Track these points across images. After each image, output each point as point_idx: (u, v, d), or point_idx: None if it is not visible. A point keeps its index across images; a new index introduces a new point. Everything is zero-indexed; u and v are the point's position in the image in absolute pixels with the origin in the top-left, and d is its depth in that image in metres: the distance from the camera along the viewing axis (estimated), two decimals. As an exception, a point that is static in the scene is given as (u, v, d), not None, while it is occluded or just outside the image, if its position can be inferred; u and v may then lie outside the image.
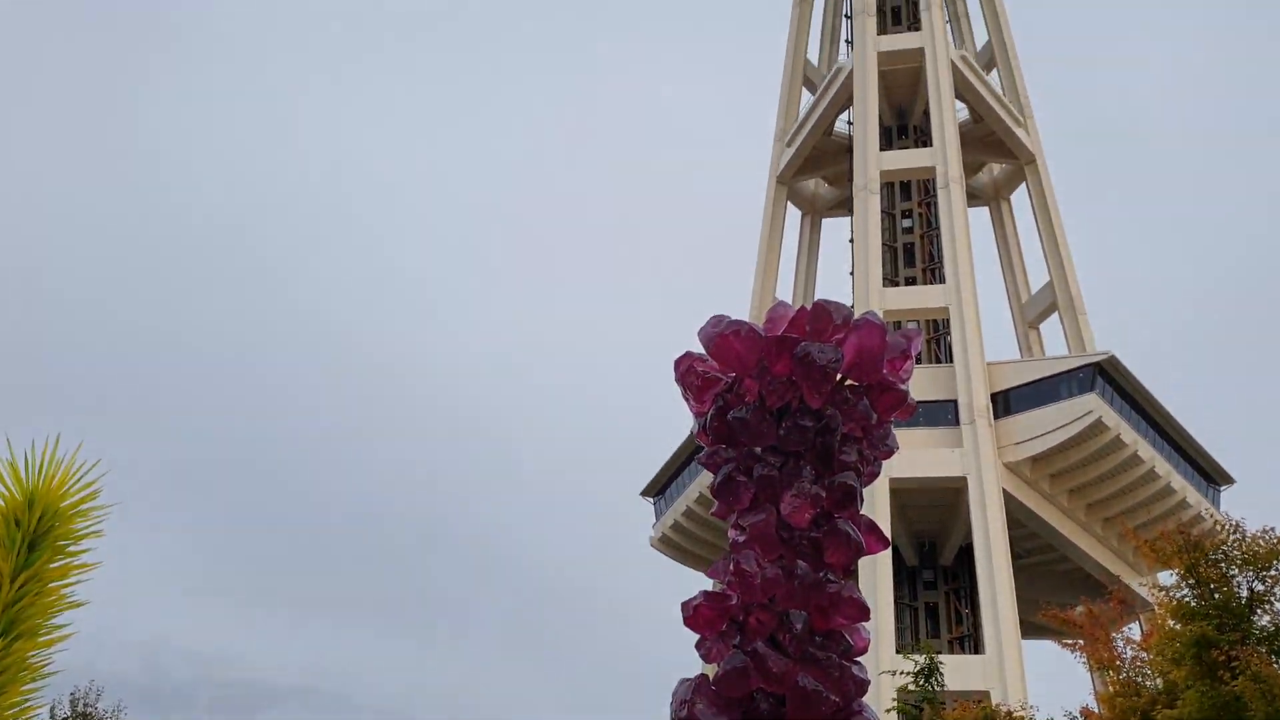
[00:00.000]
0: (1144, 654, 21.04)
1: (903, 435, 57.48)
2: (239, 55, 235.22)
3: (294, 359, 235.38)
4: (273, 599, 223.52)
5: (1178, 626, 18.22)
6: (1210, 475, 70.53)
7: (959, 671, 55.39)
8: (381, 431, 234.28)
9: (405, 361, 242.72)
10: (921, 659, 28.14)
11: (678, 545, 76.37)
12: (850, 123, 73.89)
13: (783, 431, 1.30)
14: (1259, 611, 17.85)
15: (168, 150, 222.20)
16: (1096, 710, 21.15)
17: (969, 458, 61.63)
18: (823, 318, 1.32)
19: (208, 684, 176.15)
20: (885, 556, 60.64)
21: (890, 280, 73.09)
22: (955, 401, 63.18)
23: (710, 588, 1.26)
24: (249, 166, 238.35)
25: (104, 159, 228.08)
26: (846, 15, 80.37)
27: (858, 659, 1.23)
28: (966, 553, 64.08)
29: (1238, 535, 17.92)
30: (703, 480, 65.88)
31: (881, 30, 74.45)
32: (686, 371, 1.41)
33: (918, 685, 27.37)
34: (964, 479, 61.61)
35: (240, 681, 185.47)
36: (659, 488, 78.03)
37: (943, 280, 68.85)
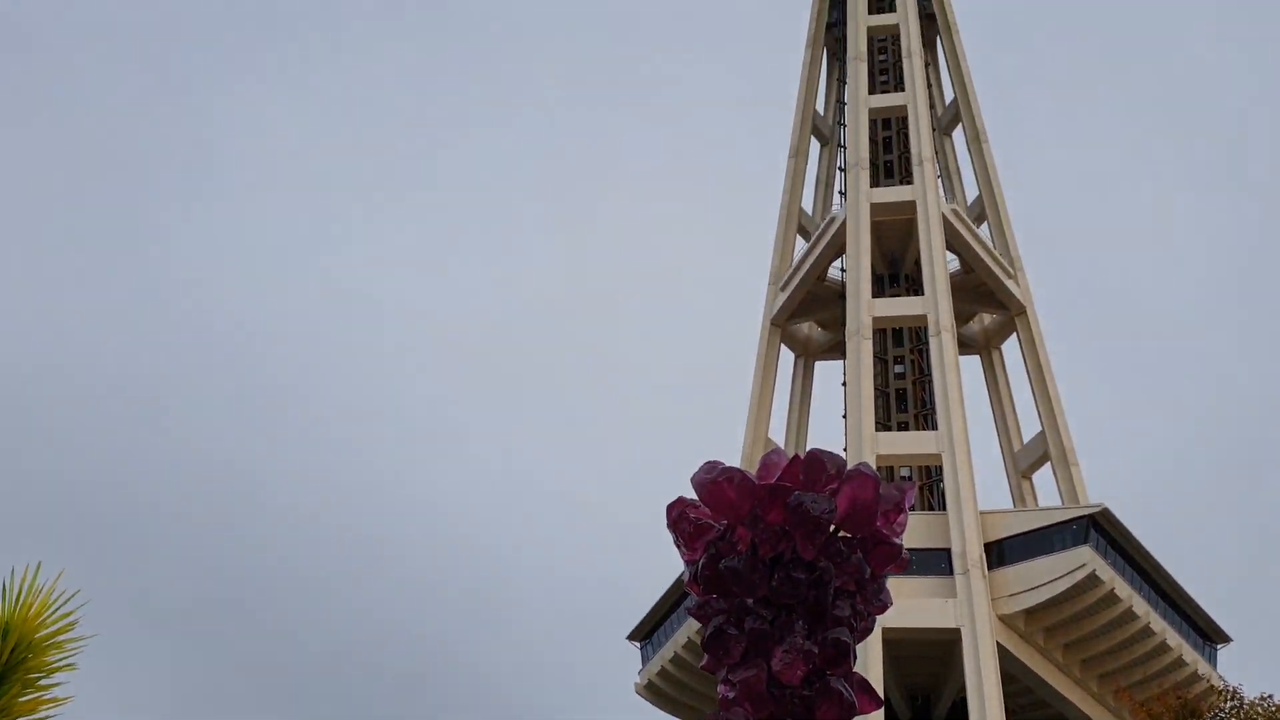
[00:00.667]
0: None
1: (895, 584, 56.45)
2: (245, 176, 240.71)
3: (282, 496, 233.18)
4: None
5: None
6: (1207, 633, 69.34)
7: (953, 835, 53.20)
8: (366, 570, 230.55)
9: (392, 497, 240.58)
10: None
11: (664, 693, 74.26)
12: (843, 269, 75.30)
13: (775, 583, 1.28)
14: (1262, 779, 17.28)
15: (165, 273, 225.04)
16: None
17: (963, 609, 60.62)
18: (816, 467, 1.32)
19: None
20: (878, 712, 58.94)
21: (883, 425, 73.25)
22: (949, 550, 62.51)
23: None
24: (247, 289, 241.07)
25: (101, 277, 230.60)
26: (840, 168, 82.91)
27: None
28: (960, 707, 62.36)
29: (1235, 702, 17.50)
30: (691, 625, 64.60)
31: (874, 183, 76.62)
32: (679, 518, 1.40)
33: None
34: (958, 630, 60.45)
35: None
36: (646, 632, 76.34)
37: (935, 426, 69.01)
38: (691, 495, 1.37)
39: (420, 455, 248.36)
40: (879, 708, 1.28)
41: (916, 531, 61.98)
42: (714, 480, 1.30)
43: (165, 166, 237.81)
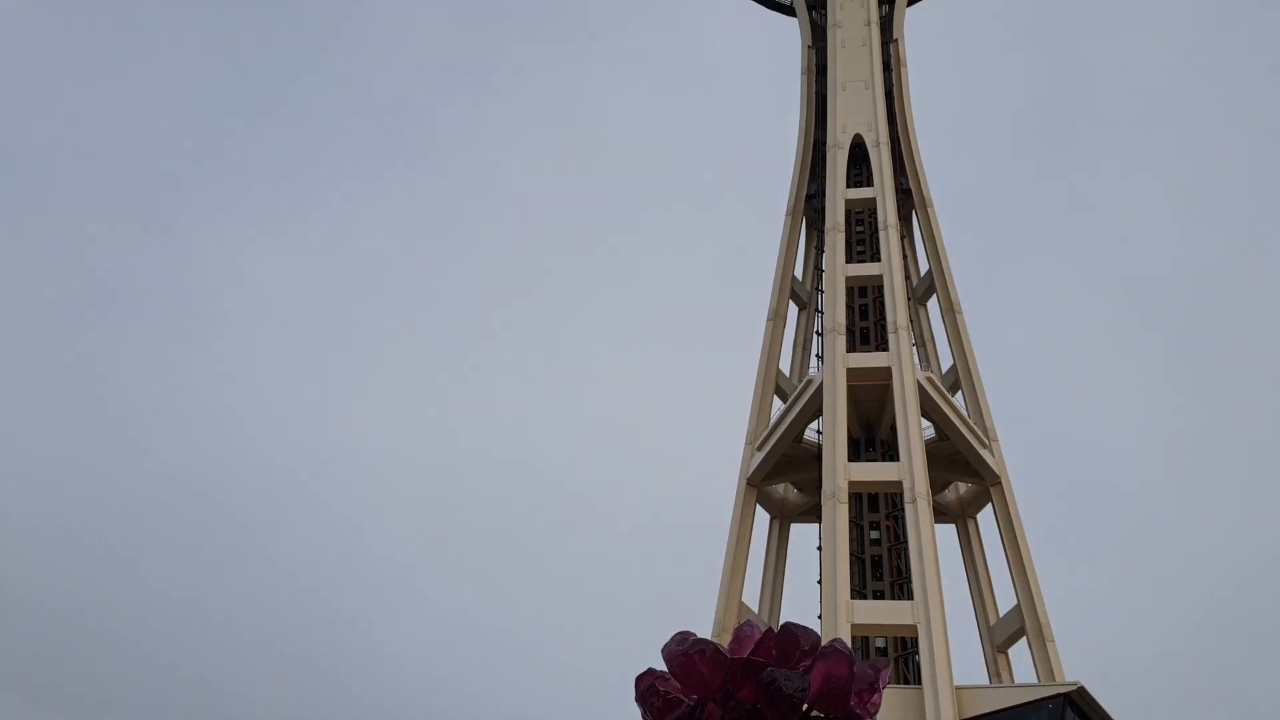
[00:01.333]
0: None
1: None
2: (217, 315, 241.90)
3: (235, 637, 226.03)
4: None
5: None
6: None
7: None
8: (340, 703, 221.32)
9: (344, 646, 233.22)
10: None
11: None
12: (819, 431, 75.64)
13: (746, 764, 1.22)
14: None
15: (131, 411, 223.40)
16: None
17: (938, 787, 58.58)
18: (790, 642, 1.28)
19: None
20: None
21: (858, 592, 72.25)
22: (923, 725, 60.80)
23: None
24: (215, 434, 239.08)
25: (62, 417, 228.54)
26: (818, 332, 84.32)
27: None
28: None
29: None
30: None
31: (851, 348, 77.81)
32: (648, 691, 1.35)
33: None
34: (932, 811, 58.26)
35: None
36: (609, 802, 73.20)
37: (910, 595, 68.09)
38: (661, 666, 1.31)
39: (374, 606, 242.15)
40: None
41: (890, 707, 60.34)
42: (685, 653, 1.23)
43: (140, 304, 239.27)
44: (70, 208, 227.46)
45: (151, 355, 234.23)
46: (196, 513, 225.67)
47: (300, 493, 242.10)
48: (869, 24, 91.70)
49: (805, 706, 1.53)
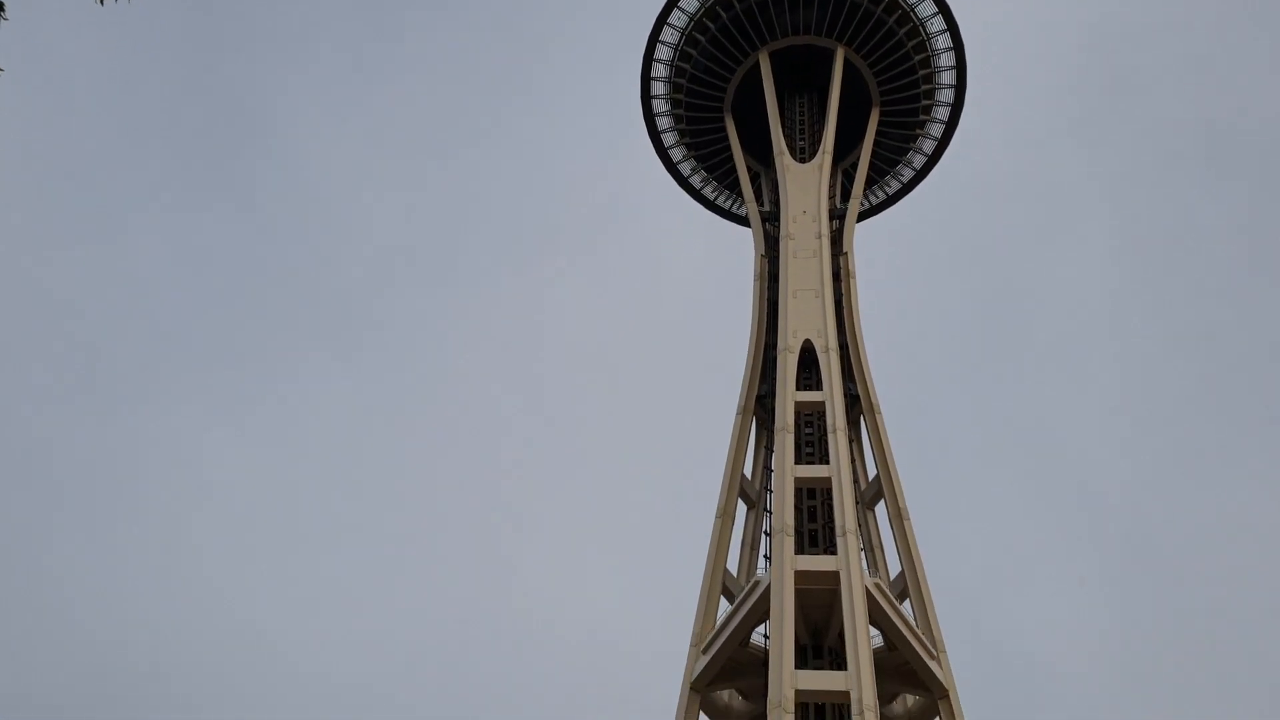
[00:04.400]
0: None
1: None
2: (162, 499, 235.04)
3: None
4: None
5: None
6: None
7: None
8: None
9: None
10: None
11: None
12: (766, 636, 73.82)
13: None
14: None
15: (59, 593, 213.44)
16: None
17: None
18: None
19: None
20: None
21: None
22: None
23: None
24: (147, 617, 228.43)
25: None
26: (766, 532, 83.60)
27: None
28: None
29: None
30: None
31: (799, 549, 76.98)
32: None
33: None
34: None
35: None
36: None
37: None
38: None
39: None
40: None
41: None
42: None
43: (77, 483, 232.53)
44: (3, 380, 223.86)
45: (86, 532, 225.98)
46: (122, 692, 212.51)
47: (231, 683, 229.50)
48: (820, 237, 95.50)
49: None
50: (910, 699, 79.86)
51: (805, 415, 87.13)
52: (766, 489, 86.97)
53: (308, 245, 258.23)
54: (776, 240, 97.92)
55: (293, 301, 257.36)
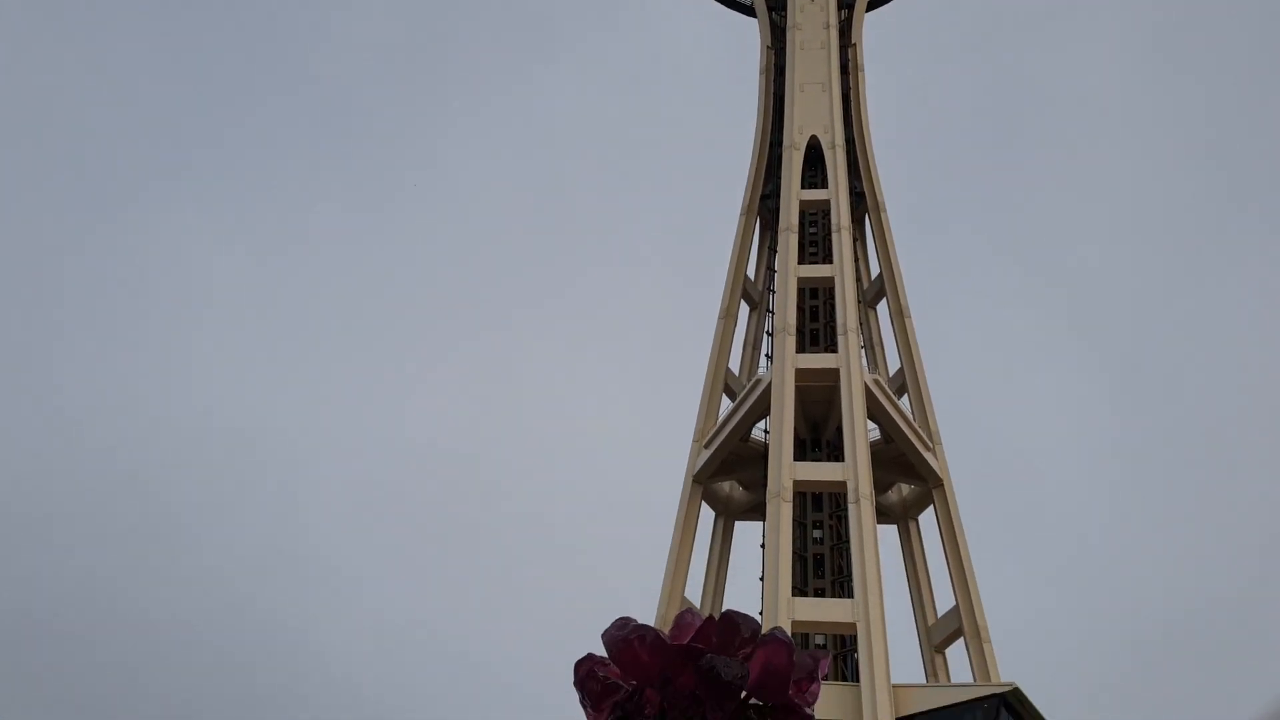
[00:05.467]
0: None
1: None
2: (156, 304, 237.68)
3: (175, 621, 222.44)
4: None
5: None
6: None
7: None
8: (275, 705, 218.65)
9: (300, 633, 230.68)
10: None
11: None
12: (766, 430, 76.07)
13: (682, 750, 1.23)
14: None
15: (61, 401, 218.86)
16: None
17: (872, 786, 59.30)
18: (730, 630, 1.29)
19: None
20: None
21: (799, 590, 72.80)
22: (859, 723, 61.50)
23: None
24: (149, 414, 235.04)
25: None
26: (768, 332, 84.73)
27: None
28: None
29: None
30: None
31: (800, 349, 78.29)
32: (586, 676, 1.35)
33: None
34: (866, 809, 58.97)
35: None
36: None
37: (851, 594, 68.80)
38: (601, 652, 1.33)
39: (309, 603, 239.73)
40: None
41: (827, 702, 60.93)
42: (625, 638, 1.25)
43: (80, 293, 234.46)
44: (13, 198, 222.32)
45: (89, 341, 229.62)
46: (129, 503, 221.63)
47: (237, 485, 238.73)
48: (828, 27, 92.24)
49: (744, 694, 1.53)
50: (905, 489, 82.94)
51: (810, 214, 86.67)
52: (769, 289, 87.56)
53: (298, 44, 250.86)
54: (783, 31, 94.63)
55: (290, 109, 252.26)
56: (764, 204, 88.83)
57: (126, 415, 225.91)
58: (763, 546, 72.67)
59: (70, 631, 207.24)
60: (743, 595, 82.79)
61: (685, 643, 1.72)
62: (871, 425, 75.71)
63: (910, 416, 79.12)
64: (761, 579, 71.32)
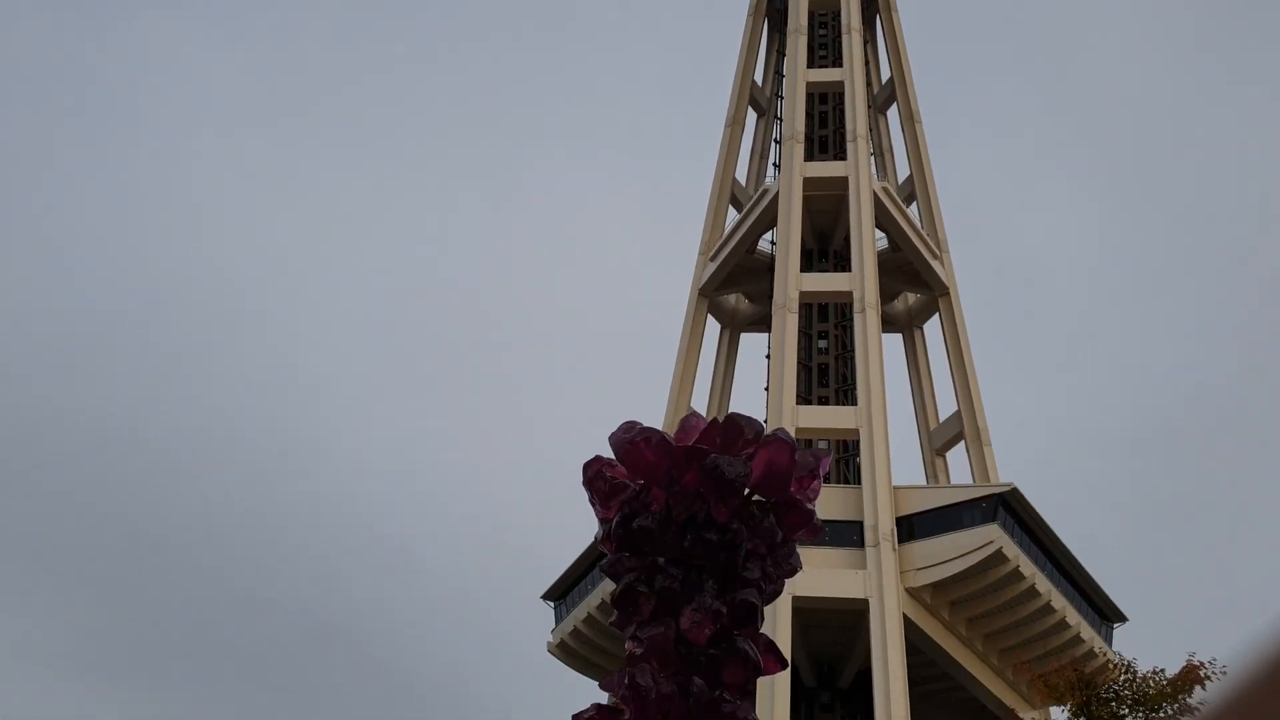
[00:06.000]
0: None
1: (807, 554, 57.67)
2: (161, 116, 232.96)
3: (186, 444, 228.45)
4: (143, 683, 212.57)
5: (1068, 763, 18.26)
6: (1104, 612, 71.88)
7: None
8: (274, 524, 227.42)
9: (300, 453, 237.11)
10: None
11: (576, 653, 74.81)
12: (773, 242, 75.76)
13: (687, 544, 1.28)
14: (1147, 751, 17.98)
15: (58, 221, 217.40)
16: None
17: (871, 581, 61.94)
18: (734, 431, 1.32)
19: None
20: (784, 675, 60.13)
21: (804, 399, 74.17)
22: (861, 523, 63.74)
23: (605, 701, 1.27)
24: (146, 243, 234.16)
25: None
26: (776, 140, 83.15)
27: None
28: (865, 676, 63.88)
29: (1129, 675, 18.13)
30: (605, 587, 64.96)
31: (809, 157, 77.03)
32: (595, 476, 1.39)
33: None
34: (866, 601, 61.80)
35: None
36: (561, 592, 76.70)
37: (855, 402, 70.10)
38: (609, 454, 1.36)
39: (325, 418, 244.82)
40: (784, 669, 1.29)
41: (831, 504, 63.02)
42: (632, 440, 1.29)
43: (73, 100, 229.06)
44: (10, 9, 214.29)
45: (85, 150, 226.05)
46: (130, 329, 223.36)
47: (240, 305, 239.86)
48: None
49: (746, 491, 1.57)
50: (911, 297, 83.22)
51: (819, 15, 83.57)
52: (777, 95, 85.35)
53: None
54: None
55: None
56: (771, 6, 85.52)
57: (121, 233, 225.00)
58: (768, 358, 73.60)
59: (73, 465, 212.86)
60: (748, 407, 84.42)
61: (690, 444, 1.75)
62: (879, 234, 75.28)
63: (918, 225, 78.55)
64: (766, 389, 72.57)
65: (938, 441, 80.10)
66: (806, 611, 61.55)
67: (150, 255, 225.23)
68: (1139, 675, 18.33)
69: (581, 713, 1.21)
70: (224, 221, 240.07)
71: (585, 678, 76.65)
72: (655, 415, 76.27)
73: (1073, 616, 67.34)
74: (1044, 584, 65.30)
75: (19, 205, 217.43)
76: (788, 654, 59.53)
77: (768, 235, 77.30)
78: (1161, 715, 17.87)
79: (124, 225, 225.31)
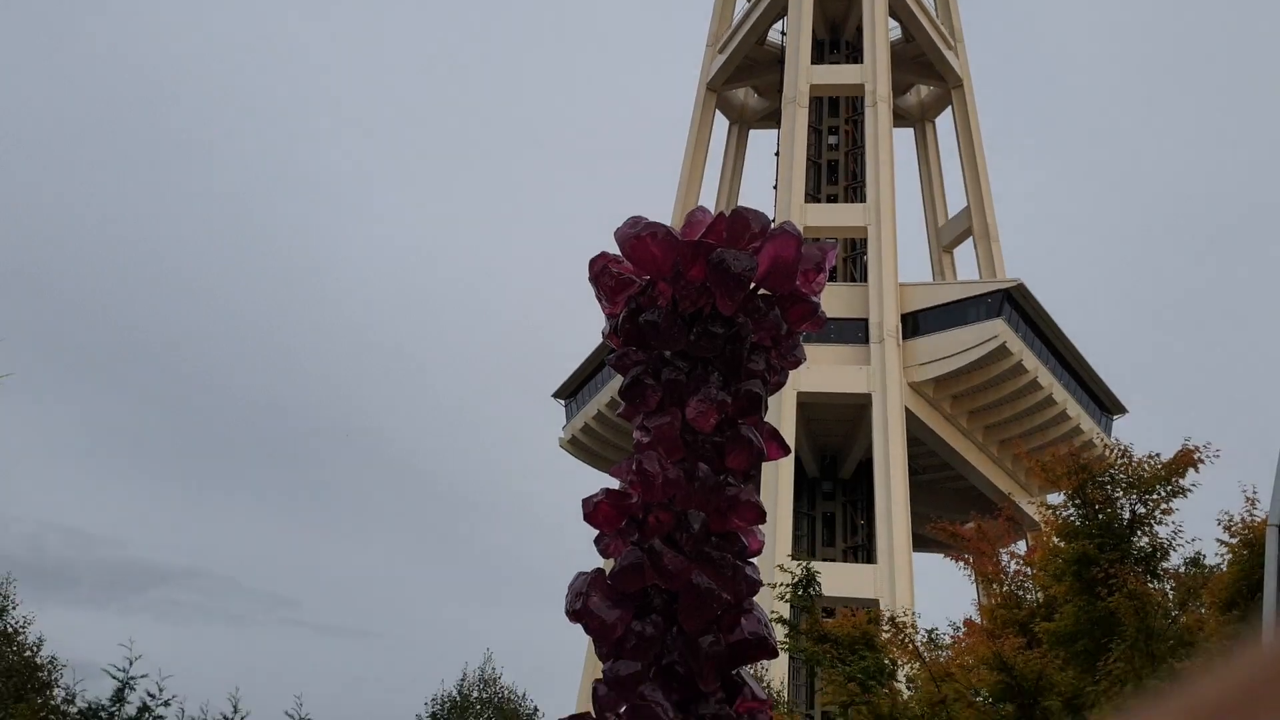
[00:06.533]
0: (1027, 569, 22.05)
1: (813, 350, 58.55)
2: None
3: (202, 244, 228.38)
4: (162, 482, 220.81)
5: (1061, 544, 19.03)
6: (1104, 404, 73.39)
7: (851, 580, 57.46)
8: (288, 323, 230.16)
9: (313, 252, 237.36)
10: (798, 569, 28.79)
11: (587, 448, 77.15)
12: (783, 33, 73.18)
13: (693, 337, 1.31)
14: (1138, 533, 18.70)
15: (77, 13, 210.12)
16: (978, 621, 22.14)
17: (875, 376, 63.04)
18: (740, 225, 1.32)
19: (92, 563, 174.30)
20: (787, 466, 62.14)
21: (812, 196, 73.45)
22: (866, 320, 64.31)
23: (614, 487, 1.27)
24: (162, 31, 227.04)
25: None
26: (786, -78, 79.02)
27: (751, 560, 1.27)
28: (866, 467, 65.98)
29: (1125, 459, 18.64)
30: (615, 384, 66.19)
31: (821, -59, 73.42)
32: (601, 272, 1.41)
33: (796, 595, 27.94)
34: (869, 396, 63.10)
35: (126, 561, 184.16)
36: (571, 390, 78.37)
37: (863, 199, 69.43)
38: (616, 250, 1.36)
39: (330, 214, 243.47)
40: (787, 454, 1.34)
41: (837, 301, 63.43)
42: (638, 235, 1.29)
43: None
44: None
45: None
46: (137, 117, 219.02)
47: (244, 98, 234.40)
48: None
49: (752, 284, 1.58)
50: (924, 90, 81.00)
51: None
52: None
53: None
54: None
55: None
56: None
57: (128, 35, 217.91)
58: (777, 155, 72.39)
59: (85, 248, 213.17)
60: (756, 205, 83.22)
61: (696, 238, 1.75)
62: (892, 23, 72.58)
63: (933, 13, 75.60)
64: (775, 187, 71.72)
65: (946, 238, 79.76)
66: (811, 406, 62.97)
67: (153, 51, 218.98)
68: (1135, 460, 18.84)
69: (591, 497, 1.27)
70: (231, 14, 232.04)
71: (597, 471, 79.38)
72: (663, 213, 75.76)
73: (1073, 409, 68.80)
74: (1046, 377, 66.41)
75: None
76: (791, 444, 61.24)
77: (778, 25, 74.59)
78: (1154, 497, 18.51)
79: (128, 13, 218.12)
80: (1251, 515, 17.85)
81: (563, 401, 79.65)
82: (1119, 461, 18.56)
